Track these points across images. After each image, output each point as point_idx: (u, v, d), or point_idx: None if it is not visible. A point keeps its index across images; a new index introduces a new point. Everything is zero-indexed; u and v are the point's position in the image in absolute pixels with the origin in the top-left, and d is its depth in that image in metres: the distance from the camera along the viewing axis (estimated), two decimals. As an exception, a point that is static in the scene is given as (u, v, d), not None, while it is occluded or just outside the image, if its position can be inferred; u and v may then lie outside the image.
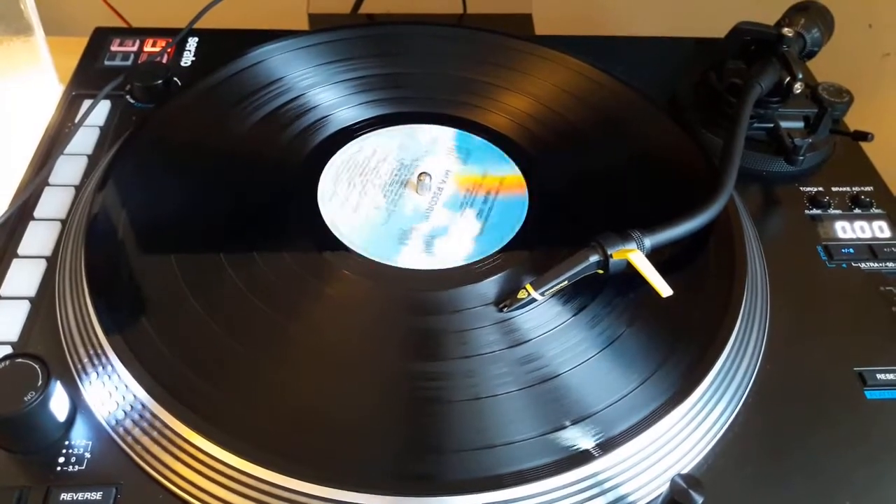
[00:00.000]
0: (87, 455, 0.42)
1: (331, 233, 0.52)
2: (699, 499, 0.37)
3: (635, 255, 0.48)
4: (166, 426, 0.41)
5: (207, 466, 0.40)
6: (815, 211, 0.58)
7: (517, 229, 0.54)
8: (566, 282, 0.48)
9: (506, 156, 0.59)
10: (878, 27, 0.81)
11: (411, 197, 0.55)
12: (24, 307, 0.48)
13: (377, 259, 0.51)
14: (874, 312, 0.52)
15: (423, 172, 0.55)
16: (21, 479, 0.40)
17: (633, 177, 0.58)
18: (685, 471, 0.42)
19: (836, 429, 0.45)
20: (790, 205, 0.59)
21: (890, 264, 0.55)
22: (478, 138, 0.60)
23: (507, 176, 0.57)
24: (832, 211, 0.58)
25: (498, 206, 0.55)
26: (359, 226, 0.53)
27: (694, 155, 0.58)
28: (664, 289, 0.47)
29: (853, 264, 0.54)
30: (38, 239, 0.52)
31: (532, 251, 0.52)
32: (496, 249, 0.52)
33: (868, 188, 0.60)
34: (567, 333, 0.47)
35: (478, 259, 0.51)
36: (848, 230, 0.57)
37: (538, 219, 0.54)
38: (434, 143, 0.60)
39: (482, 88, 0.64)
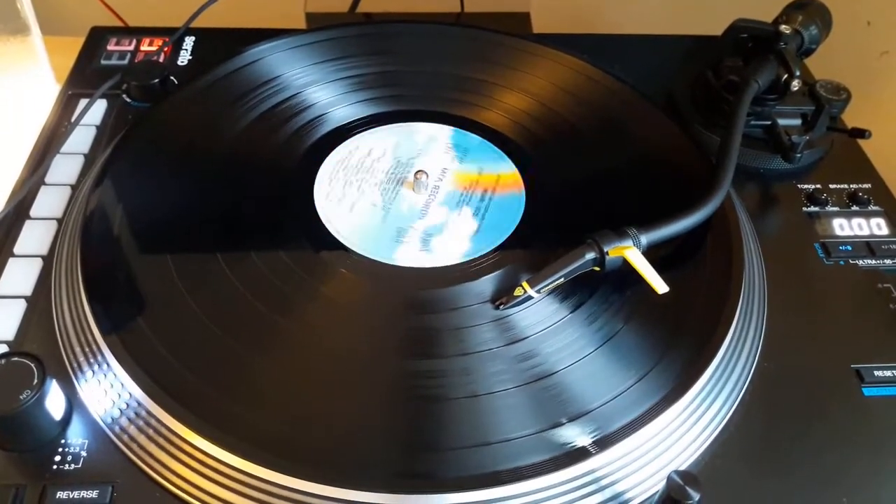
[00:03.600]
0: (83, 453, 0.42)
1: (327, 231, 0.52)
2: (696, 495, 0.37)
3: (631, 252, 0.48)
4: (162, 424, 0.41)
5: (203, 464, 0.40)
6: (812, 208, 0.58)
7: (514, 227, 0.53)
8: (562, 279, 0.48)
9: (503, 153, 0.59)
10: (876, 25, 0.80)
11: (408, 195, 0.55)
12: (21, 306, 0.48)
13: (374, 257, 0.51)
14: (872, 309, 0.51)
15: (420, 170, 0.55)
16: (17, 477, 0.40)
17: (630, 174, 0.58)
18: (682, 467, 0.42)
19: (833, 426, 0.45)
20: (788, 202, 0.59)
21: (887, 261, 0.54)
22: (474, 136, 0.60)
23: (504, 174, 0.57)
24: (830, 208, 0.58)
25: (495, 203, 0.55)
26: (355, 224, 0.53)
27: (691, 152, 0.58)
28: (660, 286, 0.47)
29: (851, 261, 0.54)
30: (35, 238, 0.52)
31: (528, 249, 0.52)
32: (493, 247, 0.52)
33: (866, 185, 0.60)
34: (564, 330, 0.47)
35: (474, 257, 0.51)
36: (846, 227, 0.57)
37: (535, 216, 0.54)
38: (431, 141, 0.59)
39: (479, 87, 0.63)
